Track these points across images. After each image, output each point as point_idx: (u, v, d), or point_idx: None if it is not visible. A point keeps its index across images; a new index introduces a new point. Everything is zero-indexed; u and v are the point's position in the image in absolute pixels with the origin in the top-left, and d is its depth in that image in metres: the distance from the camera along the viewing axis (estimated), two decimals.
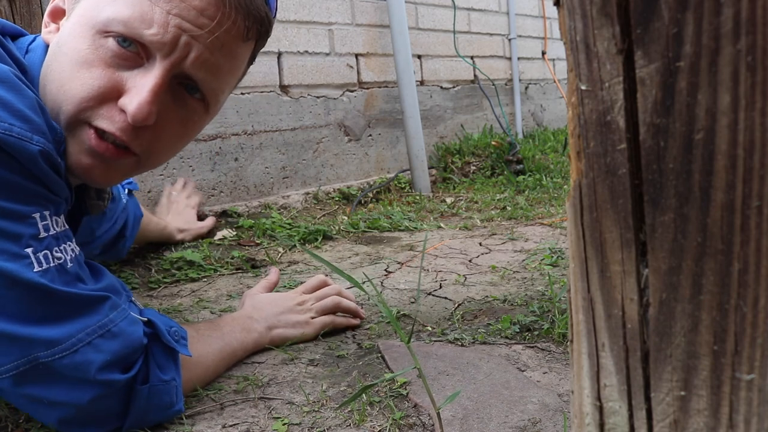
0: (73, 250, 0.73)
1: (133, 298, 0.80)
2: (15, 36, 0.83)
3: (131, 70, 0.74)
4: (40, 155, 0.67)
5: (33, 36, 0.84)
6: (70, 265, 0.71)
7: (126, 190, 1.33)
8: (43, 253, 0.68)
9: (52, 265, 0.68)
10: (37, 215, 0.68)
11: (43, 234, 0.68)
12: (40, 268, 0.67)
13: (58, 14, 0.83)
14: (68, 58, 0.75)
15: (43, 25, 0.84)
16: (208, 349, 0.87)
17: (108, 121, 0.74)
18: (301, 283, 1.32)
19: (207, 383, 0.87)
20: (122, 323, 0.73)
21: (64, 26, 0.80)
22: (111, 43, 0.73)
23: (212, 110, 0.83)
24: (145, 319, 0.77)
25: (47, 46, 0.80)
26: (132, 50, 0.74)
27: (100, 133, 0.75)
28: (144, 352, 0.75)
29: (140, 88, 0.73)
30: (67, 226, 0.74)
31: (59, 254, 0.70)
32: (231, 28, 0.76)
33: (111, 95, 0.74)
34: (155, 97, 0.73)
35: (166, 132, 0.79)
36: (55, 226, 0.71)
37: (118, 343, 0.71)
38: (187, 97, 0.79)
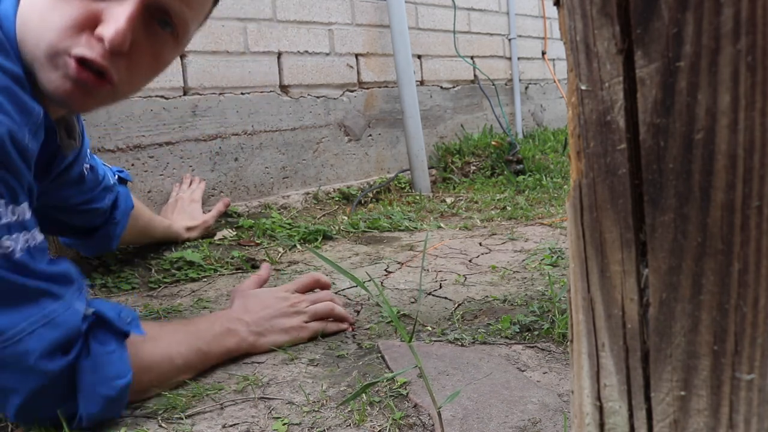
0: (27, 240, 0.73)
1: (84, 290, 0.80)
2: None
3: (107, 0, 0.78)
4: (8, 136, 0.69)
5: None
6: (18, 254, 0.71)
7: (116, 176, 1.32)
8: None
9: None
10: None
11: None
12: None
13: None
14: None
15: None
16: (175, 346, 0.87)
17: (88, 48, 0.78)
18: None
19: (177, 379, 0.87)
20: (66, 313, 0.74)
21: None
22: None
23: (181, 43, 0.88)
24: (91, 311, 0.78)
25: None
26: None
27: (81, 62, 0.78)
28: (84, 336, 0.76)
29: (117, 16, 0.77)
30: (27, 216, 0.74)
31: (8, 243, 0.70)
32: None
33: (89, 24, 0.78)
34: (131, 24, 0.78)
35: (140, 62, 0.84)
36: (10, 214, 0.71)
37: (59, 332, 0.72)
38: (159, 31, 0.84)
